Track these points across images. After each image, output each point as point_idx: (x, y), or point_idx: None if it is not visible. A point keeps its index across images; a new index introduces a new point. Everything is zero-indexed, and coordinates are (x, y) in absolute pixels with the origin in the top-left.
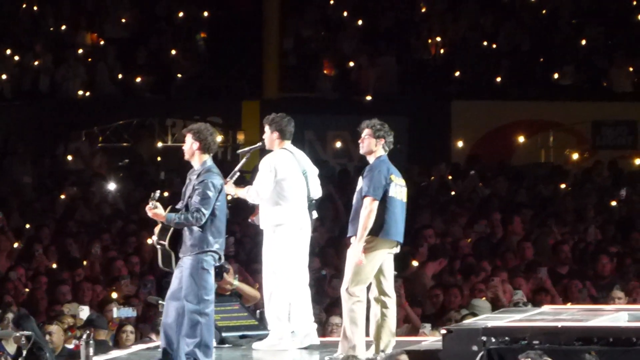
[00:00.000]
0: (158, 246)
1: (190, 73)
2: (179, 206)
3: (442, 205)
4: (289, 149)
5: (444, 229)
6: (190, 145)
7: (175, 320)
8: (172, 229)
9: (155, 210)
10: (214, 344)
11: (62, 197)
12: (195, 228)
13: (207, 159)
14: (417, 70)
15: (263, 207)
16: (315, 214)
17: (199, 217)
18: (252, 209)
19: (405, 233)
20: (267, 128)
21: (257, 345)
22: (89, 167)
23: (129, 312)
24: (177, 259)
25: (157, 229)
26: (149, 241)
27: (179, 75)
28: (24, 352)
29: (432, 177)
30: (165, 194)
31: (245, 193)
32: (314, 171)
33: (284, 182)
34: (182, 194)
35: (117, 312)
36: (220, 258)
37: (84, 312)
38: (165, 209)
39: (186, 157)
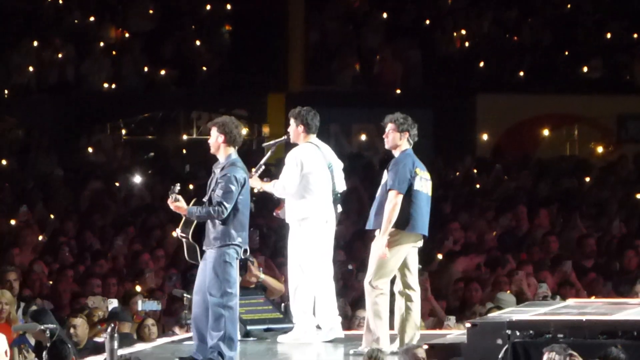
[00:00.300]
0: (182, 239)
1: (215, 66)
2: (205, 200)
3: (467, 198)
4: (314, 143)
5: (469, 223)
6: (215, 138)
7: (204, 313)
8: (195, 222)
9: (177, 203)
10: (239, 337)
11: (87, 190)
12: (218, 222)
13: (232, 152)
14: (442, 63)
15: (289, 201)
16: (340, 208)
17: (221, 210)
18: (277, 203)
19: (431, 226)
20: (292, 121)
21: (281, 339)
22: (113, 160)
23: (154, 305)
24: (202, 252)
25: (181, 222)
26: (174, 234)
27: (204, 69)
28: (48, 345)
29: (457, 172)
30: (191, 186)
31: (272, 187)
32: (339, 165)
33: (310, 175)
34: (207, 186)
35: (142, 305)
36: (245, 251)
37: (113, 304)
38: (190, 201)
39: (212, 150)
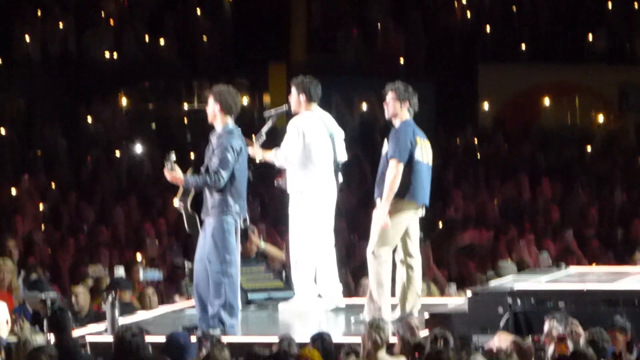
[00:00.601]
0: (181, 209)
1: (216, 35)
2: (202, 168)
3: (469, 168)
4: (316, 112)
5: (471, 192)
6: (212, 107)
7: (205, 281)
8: (192, 191)
9: (173, 173)
10: (240, 305)
11: (88, 159)
12: (215, 190)
13: (229, 121)
14: (444, 33)
15: (290, 170)
16: (341, 178)
17: (218, 179)
18: (278, 172)
19: (433, 195)
20: (294, 90)
21: (283, 307)
22: (114, 130)
23: (156, 274)
24: (202, 221)
25: (179, 192)
26: (174, 203)
27: (205, 38)
28: (48, 313)
29: (459, 141)
30: (192, 156)
31: (274, 157)
32: (340, 134)
33: (312, 145)
34: (204, 155)
35: (143, 274)
36: (245, 220)
37: (119, 272)
38: (187, 171)
39: (209, 119)
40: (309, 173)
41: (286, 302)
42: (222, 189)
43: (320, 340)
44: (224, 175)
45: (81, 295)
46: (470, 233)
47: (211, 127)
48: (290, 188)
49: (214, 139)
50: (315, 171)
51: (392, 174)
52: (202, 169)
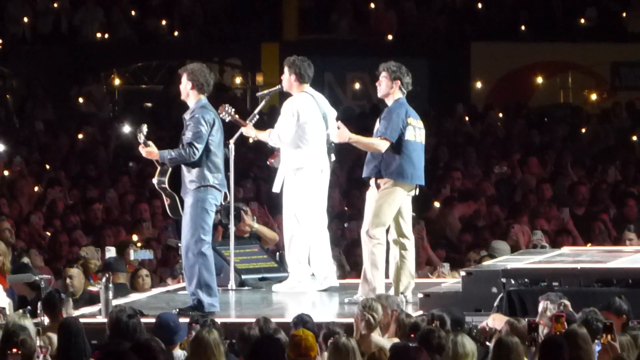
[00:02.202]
0: (160, 189)
1: (209, 15)
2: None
3: (461, 146)
4: (309, 92)
5: (464, 171)
6: (184, 85)
7: None
8: (170, 169)
9: (147, 148)
10: (233, 286)
11: (81, 137)
12: (192, 165)
13: (202, 97)
14: (437, 11)
15: (284, 150)
16: (333, 157)
17: (192, 152)
18: (271, 152)
19: (427, 175)
20: (286, 70)
21: (276, 288)
22: (107, 110)
23: (146, 254)
24: (182, 201)
25: (157, 171)
26: (154, 183)
27: (198, 18)
28: (43, 295)
29: (451, 120)
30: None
31: (267, 136)
32: (333, 114)
33: (306, 125)
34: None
35: (134, 254)
36: (225, 196)
37: (110, 253)
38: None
39: (182, 97)
40: (302, 152)
41: (280, 283)
42: (199, 163)
43: (302, 323)
44: (198, 147)
45: (75, 277)
46: (459, 207)
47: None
48: (283, 167)
49: (187, 116)
50: (309, 150)
51: (375, 141)
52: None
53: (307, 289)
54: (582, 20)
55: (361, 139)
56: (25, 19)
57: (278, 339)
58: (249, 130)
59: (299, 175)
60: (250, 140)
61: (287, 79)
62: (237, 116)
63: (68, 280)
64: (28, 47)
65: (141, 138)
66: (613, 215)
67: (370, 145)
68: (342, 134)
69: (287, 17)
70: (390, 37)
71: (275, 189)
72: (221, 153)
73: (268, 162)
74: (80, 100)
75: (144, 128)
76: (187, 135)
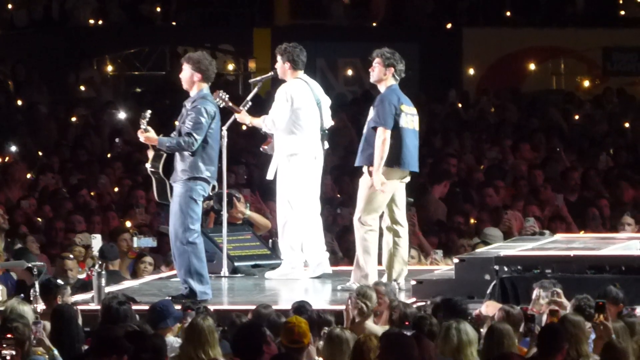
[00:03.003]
0: (152, 174)
1: (201, 0)
2: (173, 134)
3: (453, 132)
4: (303, 79)
5: (457, 156)
6: (190, 75)
7: None
8: (165, 155)
9: (147, 134)
10: (226, 273)
11: (74, 121)
12: (186, 154)
13: (205, 87)
14: None
15: (278, 136)
16: (326, 144)
17: (191, 141)
18: (264, 138)
19: (420, 161)
20: (279, 58)
21: (269, 275)
22: (100, 96)
23: (149, 241)
24: (172, 187)
25: (150, 155)
26: (147, 167)
27: (190, 3)
28: (36, 283)
29: (443, 106)
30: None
31: (262, 122)
32: (326, 101)
33: (300, 111)
34: (177, 125)
35: (137, 241)
36: (214, 188)
37: (97, 240)
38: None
39: (185, 86)
40: (296, 138)
41: (273, 269)
42: (194, 153)
43: (302, 310)
44: (197, 137)
45: (71, 263)
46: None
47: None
48: (277, 154)
49: (188, 104)
50: (303, 137)
51: (380, 140)
52: (174, 134)
53: (300, 276)
54: (574, 5)
55: (376, 165)
56: (16, 5)
57: (260, 325)
58: (243, 117)
59: (292, 161)
60: (244, 127)
61: (281, 67)
62: (230, 102)
63: (65, 266)
64: (19, 32)
65: (143, 124)
66: (608, 201)
67: (380, 150)
68: (376, 185)
69: (279, 2)
70: (381, 22)
71: (269, 176)
72: (217, 145)
73: (261, 149)
74: (77, 85)
75: (147, 114)
76: (187, 124)
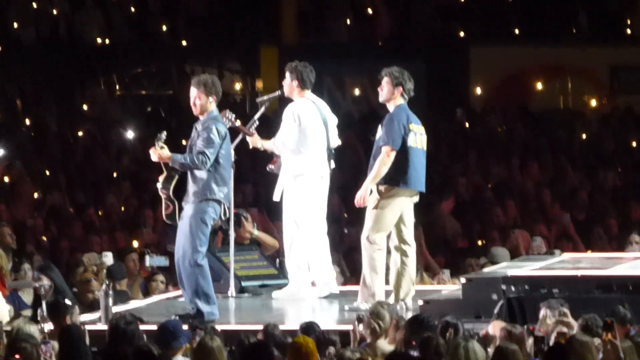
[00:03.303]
0: (162, 195)
1: (207, 19)
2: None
3: (461, 151)
4: (310, 98)
5: (464, 175)
6: (205, 101)
7: None
8: (176, 177)
9: (161, 151)
10: (234, 293)
11: (81, 140)
12: (199, 175)
13: (214, 109)
14: (435, 15)
15: (285, 156)
16: (332, 164)
17: (204, 160)
18: (271, 157)
19: (430, 181)
20: (288, 75)
21: (276, 294)
22: (107, 114)
23: (162, 260)
24: (181, 208)
25: (162, 177)
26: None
27: (196, 22)
28: (44, 302)
29: (450, 124)
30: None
31: (272, 145)
32: (333, 120)
33: (307, 131)
34: (188, 145)
35: (149, 260)
36: (224, 210)
37: (108, 258)
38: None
39: (196, 111)
40: (303, 158)
41: (280, 289)
42: (206, 175)
43: (310, 330)
44: (210, 156)
45: (96, 284)
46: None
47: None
48: (283, 173)
49: (199, 126)
50: (309, 156)
51: (382, 158)
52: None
53: (307, 296)
54: (581, 23)
55: (368, 178)
56: (23, 24)
57: (268, 345)
58: (255, 141)
59: (299, 181)
60: (251, 147)
61: (289, 84)
62: (238, 122)
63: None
64: (26, 51)
65: (158, 145)
66: (616, 220)
67: (379, 167)
68: (360, 197)
69: (287, 21)
70: (389, 41)
71: (276, 197)
72: (229, 166)
73: (268, 168)
74: (84, 104)
75: (163, 135)
76: (199, 143)
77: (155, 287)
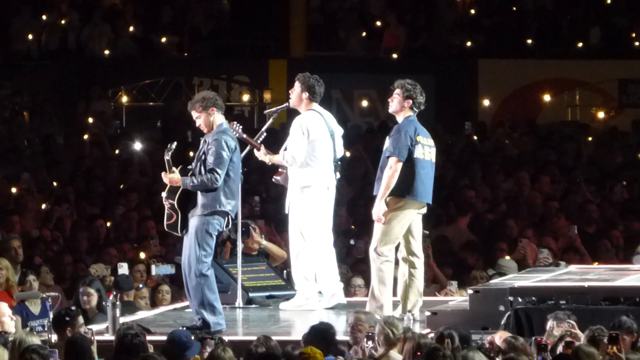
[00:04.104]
0: (166, 204)
1: (216, 32)
2: (190, 167)
3: (469, 164)
4: (317, 110)
5: (473, 188)
6: (205, 117)
7: None
8: (181, 188)
9: (171, 175)
10: (241, 304)
11: (88, 152)
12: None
13: (222, 120)
14: (444, 28)
15: (292, 167)
16: (338, 175)
17: (215, 178)
18: (276, 169)
19: (438, 193)
20: (298, 85)
21: (284, 306)
22: (115, 126)
23: (168, 269)
24: (185, 219)
25: (166, 187)
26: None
27: (205, 34)
28: (50, 315)
29: (458, 137)
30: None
31: (281, 159)
32: (339, 132)
33: (315, 143)
34: (196, 157)
35: (155, 269)
36: (229, 222)
37: (123, 269)
38: (178, 168)
39: (203, 127)
40: (311, 170)
41: (287, 300)
42: (215, 188)
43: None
44: (220, 172)
45: (93, 295)
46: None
47: None
48: (291, 184)
49: (209, 139)
50: (317, 168)
51: (391, 171)
52: (194, 169)
53: (315, 307)
54: (589, 37)
55: (380, 194)
56: (31, 36)
57: (278, 356)
58: (262, 155)
59: (305, 193)
60: (259, 159)
61: (298, 95)
62: (245, 135)
63: (85, 298)
64: (34, 63)
65: (168, 155)
66: (623, 233)
67: (388, 180)
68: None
69: (295, 33)
70: (397, 53)
71: (287, 209)
72: (238, 179)
73: (273, 179)
74: (90, 119)
75: (173, 146)
76: (209, 160)
77: (162, 297)
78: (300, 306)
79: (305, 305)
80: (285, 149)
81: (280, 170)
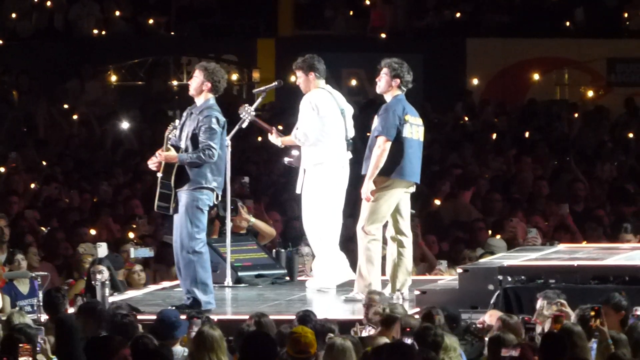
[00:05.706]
0: (161, 184)
1: (204, 11)
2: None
3: (457, 143)
4: (326, 89)
5: (461, 167)
6: (200, 83)
7: None
8: (176, 166)
9: (167, 153)
10: (230, 282)
11: (77, 132)
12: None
13: (211, 97)
14: (433, 7)
15: (305, 146)
16: (350, 154)
17: (211, 153)
18: (288, 150)
19: (425, 171)
20: (300, 73)
21: (310, 284)
22: (103, 106)
23: (146, 252)
24: (175, 196)
25: (162, 167)
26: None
27: (193, 14)
28: (40, 294)
29: (447, 116)
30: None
31: (293, 138)
32: (350, 111)
33: (326, 119)
34: (183, 131)
35: (134, 252)
36: (217, 197)
37: (102, 249)
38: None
39: (192, 92)
40: (323, 147)
41: (277, 279)
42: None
43: (307, 319)
44: (215, 147)
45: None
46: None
47: None
48: (304, 163)
49: (195, 111)
50: (329, 145)
51: (379, 150)
52: (179, 142)
53: (332, 283)
54: (577, 15)
55: (368, 173)
56: (19, 16)
57: (269, 334)
58: (274, 138)
59: (318, 169)
60: (273, 142)
61: (305, 79)
62: (259, 120)
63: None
64: (22, 43)
65: (170, 132)
66: (610, 212)
67: (377, 159)
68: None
69: (283, 12)
70: (385, 32)
71: (299, 189)
72: (224, 155)
73: (286, 162)
74: (85, 97)
75: (177, 123)
76: (202, 137)
77: (137, 278)
78: (321, 284)
79: (325, 283)
80: (297, 129)
81: (291, 151)
